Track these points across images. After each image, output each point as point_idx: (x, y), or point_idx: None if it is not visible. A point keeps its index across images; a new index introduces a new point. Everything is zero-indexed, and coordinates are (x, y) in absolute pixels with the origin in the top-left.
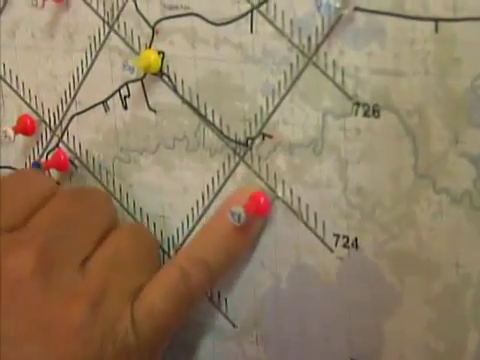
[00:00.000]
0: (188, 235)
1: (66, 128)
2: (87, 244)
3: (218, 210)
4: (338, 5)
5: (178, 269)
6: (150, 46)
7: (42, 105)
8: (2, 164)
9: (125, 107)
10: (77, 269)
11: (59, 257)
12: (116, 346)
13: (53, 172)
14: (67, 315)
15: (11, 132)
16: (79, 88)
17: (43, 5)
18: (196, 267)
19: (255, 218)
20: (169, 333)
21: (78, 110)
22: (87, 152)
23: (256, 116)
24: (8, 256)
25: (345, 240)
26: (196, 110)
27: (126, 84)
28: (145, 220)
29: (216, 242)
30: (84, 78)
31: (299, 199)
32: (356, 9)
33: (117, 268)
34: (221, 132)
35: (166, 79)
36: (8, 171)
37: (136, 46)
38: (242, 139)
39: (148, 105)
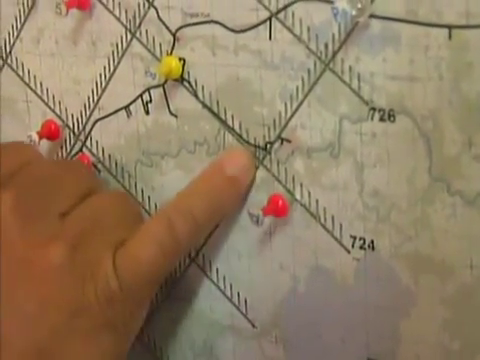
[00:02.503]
0: (208, 237)
1: (89, 133)
2: (66, 199)
3: (209, 164)
4: (354, 13)
5: (163, 217)
6: (171, 53)
7: (66, 110)
8: None
9: (147, 112)
10: (56, 217)
11: (38, 204)
12: (98, 291)
13: None
14: (45, 255)
15: (36, 137)
16: (102, 94)
17: (67, 13)
18: (181, 216)
19: (246, 173)
20: (154, 282)
21: (101, 115)
22: (110, 156)
23: (275, 121)
24: None
25: (362, 242)
26: (216, 115)
27: (148, 90)
28: None
29: (203, 193)
30: (107, 84)
31: (317, 202)
32: (372, 16)
33: (97, 220)
34: (241, 136)
35: (187, 85)
36: None
37: (158, 53)
38: (261, 143)
39: (169, 110)
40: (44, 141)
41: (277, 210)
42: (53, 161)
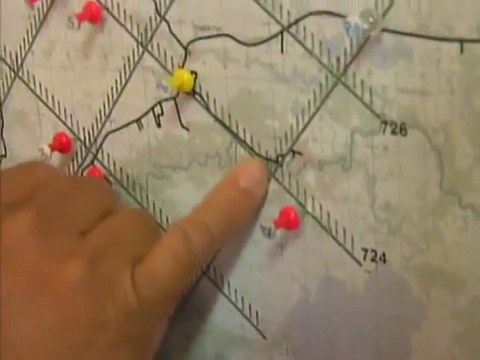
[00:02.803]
0: (219, 251)
1: (101, 146)
2: (85, 217)
3: (223, 178)
4: (366, 27)
5: (178, 231)
6: (183, 66)
7: (77, 123)
8: None
9: (158, 125)
10: (75, 235)
11: (57, 222)
12: (117, 308)
13: None
14: (64, 273)
15: (48, 150)
16: (113, 107)
17: (79, 26)
18: (197, 228)
19: (260, 185)
20: (172, 297)
21: (112, 128)
22: (121, 169)
23: (286, 134)
24: (7, 218)
25: (373, 254)
26: (228, 128)
27: (160, 103)
28: None
29: (218, 206)
30: (118, 97)
31: (328, 214)
32: (383, 30)
33: (116, 237)
34: (252, 149)
35: (199, 98)
36: None
37: (169, 66)
38: (273, 156)
39: (181, 123)
40: (55, 154)
41: (289, 223)
42: (71, 179)
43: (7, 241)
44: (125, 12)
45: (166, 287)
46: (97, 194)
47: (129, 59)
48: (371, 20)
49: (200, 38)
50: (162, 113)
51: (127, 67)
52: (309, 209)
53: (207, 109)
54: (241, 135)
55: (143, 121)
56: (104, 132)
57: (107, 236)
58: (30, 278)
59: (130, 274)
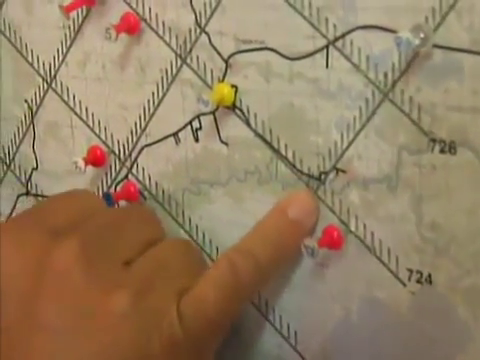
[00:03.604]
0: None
1: (136, 159)
2: (131, 247)
3: (273, 207)
4: (417, 42)
5: (226, 260)
6: (223, 80)
7: (112, 136)
8: None
9: (196, 140)
10: (120, 266)
11: (103, 251)
12: (163, 340)
13: (122, 203)
14: (109, 304)
15: (82, 163)
16: (150, 120)
17: (117, 37)
18: (244, 258)
19: (310, 216)
20: (219, 328)
21: (148, 142)
22: (156, 184)
23: (330, 150)
24: (54, 248)
25: (419, 275)
26: (269, 143)
27: (198, 117)
28: (215, 252)
29: (265, 236)
30: (155, 110)
31: (372, 234)
32: (434, 46)
33: (162, 268)
34: (294, 166)
35: (239, 112)
36: None
37: (208, 79)
38: (315, 173)
39: (220, 138)
40: (89, 167)
41: (332, 242)
42: (116, 209)
43: (54, 269)
44: (164, 23)
45: (212, 318)
46: (141, 223)
47: (167, 72)
48: (422, 35)
49: (242, 51)
50: (200, 127)
51: (165, 80)
52: (352, 228)
53: (247, 124)
54: (282, 151)
55: (180, 135)
56: (139, 145)
57: (152, 267)
58: (75, 308)
59: (175, 305)
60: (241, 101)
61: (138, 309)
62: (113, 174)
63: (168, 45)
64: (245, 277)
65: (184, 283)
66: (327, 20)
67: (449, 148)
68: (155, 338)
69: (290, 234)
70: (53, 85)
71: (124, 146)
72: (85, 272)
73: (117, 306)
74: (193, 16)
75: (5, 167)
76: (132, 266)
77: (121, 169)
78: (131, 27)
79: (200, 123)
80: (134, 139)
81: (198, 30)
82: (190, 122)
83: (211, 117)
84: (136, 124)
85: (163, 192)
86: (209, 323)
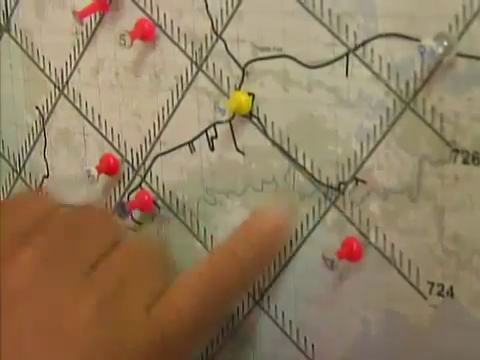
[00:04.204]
0: (274, 279)
1: (149, 168)
2: (91, 252)
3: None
4: (441, 51)
5: (203, 261)
6: (240, 87)
7: (125, 144)
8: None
9: (212, 148)
10: (81, 275)
11: (60, 263)
12: (136, 348)
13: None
14: (74, 312)
15: (95, 172)
16: (164, 128)
17: (131, 44)
18: (223, 257)
19: (289, 218)
20: (194, 330)
21: (162, 150)
22: (171, 193)
23: (349, 160)
24: (6, 264)
25: (440, 288)
26: (286, 153)
27: (214, 125)
28: None
29: (247, 237)
30: (169, 118)
31: (392, 245)
32: (458, 55)
33: (126, 274)
34: (312, 176)
35: (256, 121)
36: None
37: (225, 87)
38: (334, 183)
39: (236, 147)
40: (102, 176)
41: (352, 254)
42: (69, 213)
43: (9, 288)
44: (179, 30)
45: (189, 322)
46: (101, 225)
47: (182, 79)
48: (445, 44)
49: (259, 59)
50: (216, 136)
51: (180, 87)
52: (372, 240)
53: (264, 133)
54: (300, 161)
55: (195, 143)
56: (153, 154)
57: (115, 273)
58: (37, 326)
59: (145, 311)
60: (258, 109)
61: (104, 315)
62: (126, 183)
63: (183, 52)
64: (224, 277)
65: (152, 287)
66: (347, 27)
67: (472, 158)
68: (128, 346)
69: (273, 234)
70: (65, 92)
71: (138, 154)
72: (46, 282)
73: (83, 314)
74: (209, 22)
75: (15, 175)
76: (93, 274)
77: (134, 178)
78: (146, 33)
79: (216, 132)
80: (148, 147)
81: (214, 37)
82: (205, 130)
83: (227, 126)
84: (150, 132)
85: (177, 202)
86: (186, 327)
